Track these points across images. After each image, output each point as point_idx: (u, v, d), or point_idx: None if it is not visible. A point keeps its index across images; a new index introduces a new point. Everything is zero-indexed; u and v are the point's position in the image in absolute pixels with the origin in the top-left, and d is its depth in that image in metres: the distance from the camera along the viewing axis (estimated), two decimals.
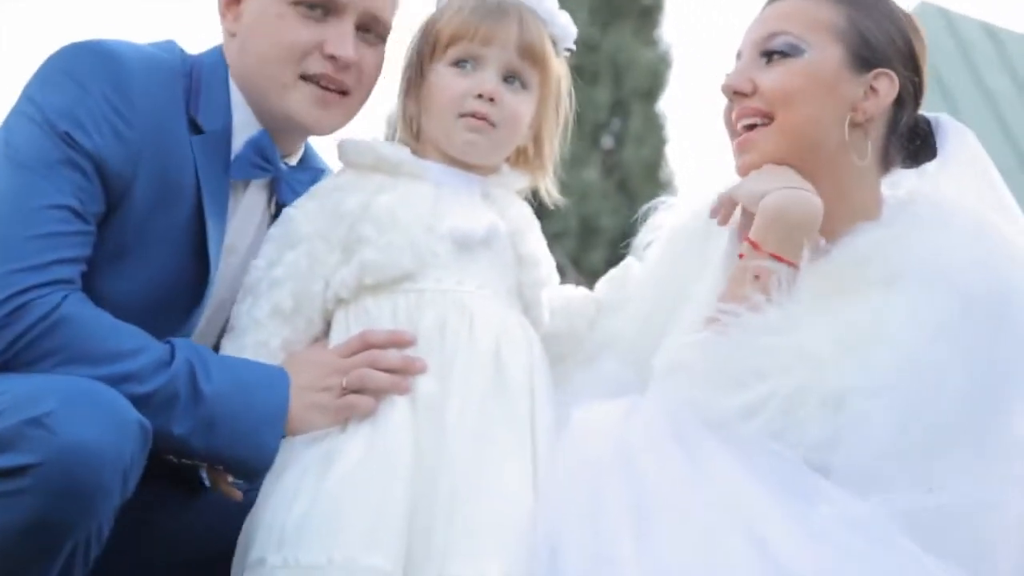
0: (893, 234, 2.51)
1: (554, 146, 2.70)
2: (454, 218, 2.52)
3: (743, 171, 2.60)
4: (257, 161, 2.58)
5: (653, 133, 18.03)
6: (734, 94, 2.61)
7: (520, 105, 2.58)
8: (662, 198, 2.87)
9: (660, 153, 18.04)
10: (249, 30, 2.57)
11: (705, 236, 2.71)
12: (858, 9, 2.61)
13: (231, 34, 2.60)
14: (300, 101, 2.58)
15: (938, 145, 2.67)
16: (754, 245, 2.49)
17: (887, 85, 2.60)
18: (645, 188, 17.16)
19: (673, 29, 19.62)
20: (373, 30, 2.63)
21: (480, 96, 2.54)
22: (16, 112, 2.46)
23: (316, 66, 2.57)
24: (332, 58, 2.56)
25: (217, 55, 2.62)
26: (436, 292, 2.47)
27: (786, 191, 2.49)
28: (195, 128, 2.53)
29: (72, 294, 2.37)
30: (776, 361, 2.38)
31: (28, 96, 2.47)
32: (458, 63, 2.57)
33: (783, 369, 2.37)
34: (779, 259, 2.48)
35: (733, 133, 2.64)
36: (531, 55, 2.57)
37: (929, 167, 2.66)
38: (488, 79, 2.55)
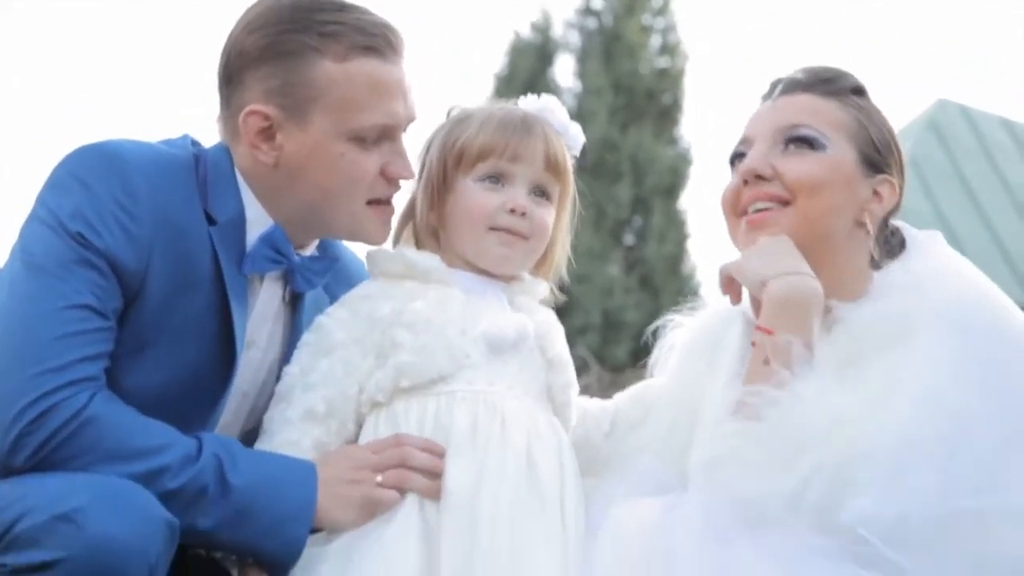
0: (887, 304, 2.54)
1: (565, 248, 2.75)
2: (486, 322, 2.53)
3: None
4: (270, 255, 2.57)
5: (674, 229, 18.12)
6: (756, 177, 2.64)
7: (546, 216, 2.63)
8: (670, 317, 2.90)
9: (682, 248, 18.13)
10: (303, 164, 2.55)
11: (714, 344, 2.73)
12: (863, 115, 2.70)
13: (268, 164, 2.56)
14: (374, 226, 2.63)
15: (908, 243, 2.72)
16: (767, 332, 2.50)
17: (889, 191, 2.68)
18: (668, 283, 17.23)
19: (692, 127, 19.78)
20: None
21: (512, 211, 2.57)
22: (31, 218, 2.47)
23: (382, 191, 2.61)
24: (396, 180, 2.61)
25: (220, 152, 2.60)
26: (468, 392, 2.47)
27: (788, 279, 2.52)
28: (211, 220, 2.53)
29: (99, 393, 2.36)
30: (814, 431, 2.36)
31: (41, 201, 2.47)
32: (487, 178, 2.60)
33: (822, 438, 2.35)
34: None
35: (738, 212, 2.68)
36: (555, 170, 2.63)
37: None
38: (519, 194, 2.59)
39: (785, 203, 2.62)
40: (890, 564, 2.25)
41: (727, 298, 2.69)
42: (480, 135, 2.60)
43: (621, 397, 2.84)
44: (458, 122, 2.65)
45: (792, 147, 2.64)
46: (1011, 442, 2.36)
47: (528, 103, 2.68)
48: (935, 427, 2.33)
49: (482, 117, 2.63)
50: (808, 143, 2.63)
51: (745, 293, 2.66)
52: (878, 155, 2.67)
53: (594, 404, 2.79)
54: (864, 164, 2.65)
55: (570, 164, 2.67)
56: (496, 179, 2.59)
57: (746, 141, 2.70)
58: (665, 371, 2.83)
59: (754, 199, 2.64)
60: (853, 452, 2.33)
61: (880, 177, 2.66)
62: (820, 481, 2.32)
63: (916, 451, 2.31)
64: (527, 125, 2.61)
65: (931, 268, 2.59)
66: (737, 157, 2.71)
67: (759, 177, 2.63)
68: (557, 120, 2.66)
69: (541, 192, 2.62)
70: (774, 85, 2.75)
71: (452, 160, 2.61)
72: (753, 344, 2.52)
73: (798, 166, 2.62)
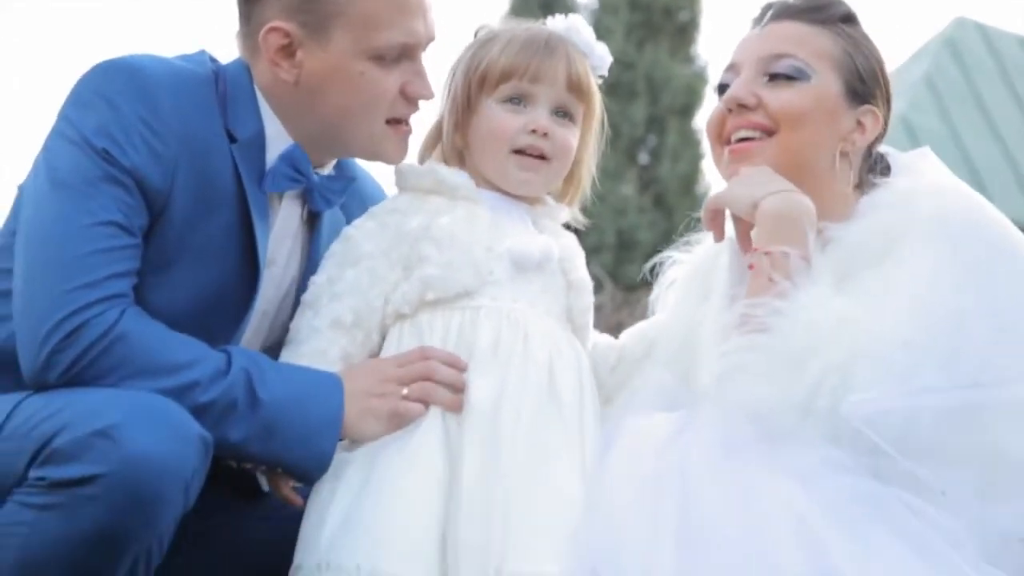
0: (875, 221, 2.56)
1: (591, 171, 2.76)
2: (511, 240, 2.57)
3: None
4: (290, 173, 2.58)
5: (689, 148, 17.98)
6: (739, 106, 2.65)
7: (568, 137, 2.64)
8: (669, 254, 2.92)
9: (696, 168, 17.99)
10: (321, 83, 2.56)
11: (707, 278, 2.77)
12: (851, 44, 2.69)
13: (288, 82, 2.56)
14: (392, 145, 2.64)
15: (893, 167, 2.74)
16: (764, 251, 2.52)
17: (872, 122, 2.69)
18: (681, 202, 17.13)
19: (709, 46, 19.57)
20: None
21: (533, 132, 2.59)
22: (54, 134, 2.47)
23: (401, 110, 2.62)
24: (415, 100, 2.62)
25: (240, 68, 2.60)
26: (492, 308, 2.51)
27: (778, 195, 2.54)
28: (231, 137, 2.54)
29: (128, 309, 2.38)
30: (820, 334, 2.39)
31: (64, 117, 2.48)
32: (509, 100, 2.62)
33: (829, 340, 2.38)
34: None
35: (722, 141, 2.70)
36: (578, 90, 2.63)
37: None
38: (540, 115, 2.60)
39: (769, 132, 2.63)
40: (905, 476, 2.29)
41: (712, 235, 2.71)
42: (502, 57, 2.61)
43: (627, 334, 2.87)
44: (483, 43, 2.66)
45: (779, 78, 2.64)
46: (1002, 339, 2.40)
47: (554, 23, 2.68)
48: (931, 327, 2.38)
49: (506, 38, 2.63)
50: (793, 73, 2.64)
51: (729, 227, 2.68)
52: (863, 85, 2.67)
53: (603, 339, 2.83)
54: (848, 94, 2.66)
55: (595, 85, 2.67)
56: (518, 100, 2.61)
57: (733, 68, 2.72)
58: (665, 307, 2.87)
59: (738, 127, 2.66)
60: (856, 353, 2.35)
61: (864, 108, 2.67)
62: (828, 384, 2.34)
63: (915, 351, 2.35)
64: (550, 46, 2.62)
65: (915, 185, 2.61)
66: (724, 86, 2.72)
67: (743, 106, 2.65)
68: (583, 40, 2.67)
69: (564, 113, 2.63)
70: (764, 10, 2.75)
71: (476, 82, 2.63)
72: (751, 267, 2.53)
73: (782, 96, 2.63)
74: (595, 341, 2.77)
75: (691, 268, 2.86)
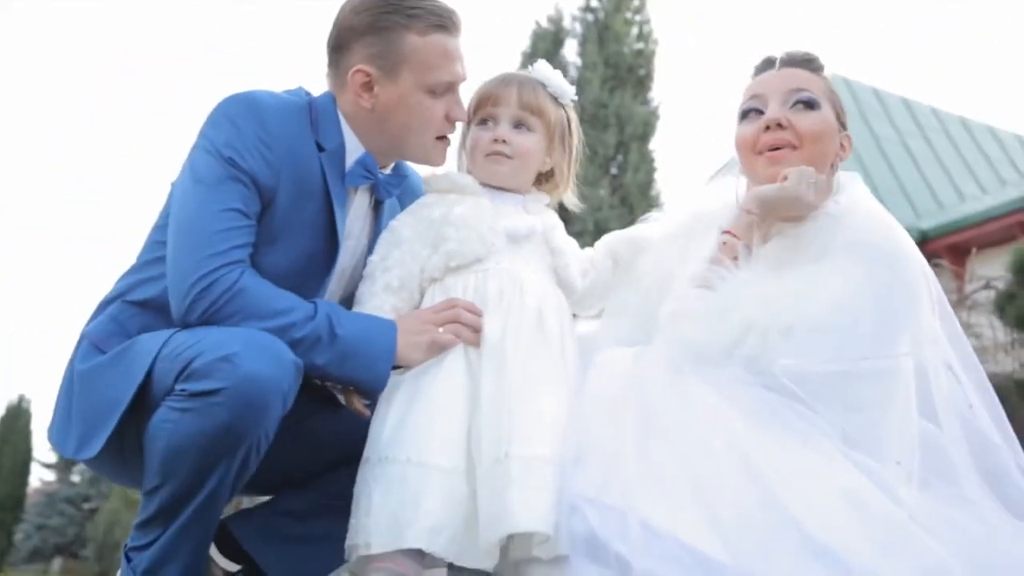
0: (812, 229, 2.48)
1: (567, 170, 2.66)
2: (506, 221, 2.52)
3: (775, 177, 2.54)
4: (364, 173, 2.53)
5: (646, 164, 17.91)
6: (776, 125, 2.56)
7: (526, 141, 2.57)
8: (650, 214, 2.84)
9: (651, 178, 17.94)
10: (390, 109, 2.51)
11: (688, 236, 2.68)
12: (830, 87, 2.64)
13: (366, 108, 2.51)
14: (438, 154, 2.59)
15: (837, 185, 2.65)
16: (734, 235, 2.48)
17: (848, 144, 2.63)
18: (640, 202, 17.09)
19: (659, 92, 19.48)
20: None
21: (495, 140, 2.55)
22: (196, 147, 2.44)
23: (446, 129, 2.57)
24: (455, 122, 2.57)
25: (328, 99, 2.55)
26: (497, 270, 2.46)
27: (762, 224, 2.48)
28: (320, 148, 2.49)
29: (246, 271, 2.34)
30: (747, 304, 2.35)
31: (202, 134, 2.43)
32: (482, 122, 2.57)
33: (752, 308, 2.34)
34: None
35: (755, 152, 2.59)
36: (528, 108, 2.56)
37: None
38: (501, 128, 2.56)
39: (794, 147, 2.54)
40: (797, 397, 2.27)
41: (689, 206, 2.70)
42: (477, 93, 2.59)
43: (615, 238, 2.79)
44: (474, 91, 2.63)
45: (799, 105, 2.56)
46: (878, 334, 2.35)
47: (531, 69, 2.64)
48: (835, 319, 2.33)
49: (482, 83, 2.61)
50: (810, 103, 2.56)
51: (742, 188, 2.62)
52: (842, 117, 2.61)
53: (595, 252, 2.76)
54: (838, 122, 2.59)
55: (547, 103, 2.60)
56: (486, 120, 2.57)
57: (758, 98, 2.61)
58: (650, 235, 2.77)
59: (773, 142, 2.56)
60: (778, 324, 2.31)
61: (844, 133, 2.61)
62: (752, 340, 2.31)
63: (823, 333, 2.31)
64: (505, 80, 2.58)
65: (852, 203, 2.53)
66: (752, 110, 2.62)
67: (779, 125, 2.56)
68: (541, 74, 2.61)
69: (522, 125, 2.57)
70: (771, 60, 2.66)
71: (470, 116, 2.60)
72: (723, 243, 2.49)
73: (807, 120, 2.55)
74: (592, 257, 2.71)
75: (678, 222, 2.75)
